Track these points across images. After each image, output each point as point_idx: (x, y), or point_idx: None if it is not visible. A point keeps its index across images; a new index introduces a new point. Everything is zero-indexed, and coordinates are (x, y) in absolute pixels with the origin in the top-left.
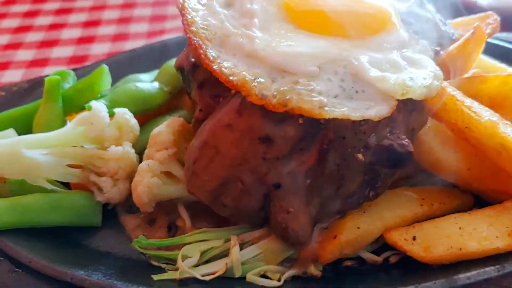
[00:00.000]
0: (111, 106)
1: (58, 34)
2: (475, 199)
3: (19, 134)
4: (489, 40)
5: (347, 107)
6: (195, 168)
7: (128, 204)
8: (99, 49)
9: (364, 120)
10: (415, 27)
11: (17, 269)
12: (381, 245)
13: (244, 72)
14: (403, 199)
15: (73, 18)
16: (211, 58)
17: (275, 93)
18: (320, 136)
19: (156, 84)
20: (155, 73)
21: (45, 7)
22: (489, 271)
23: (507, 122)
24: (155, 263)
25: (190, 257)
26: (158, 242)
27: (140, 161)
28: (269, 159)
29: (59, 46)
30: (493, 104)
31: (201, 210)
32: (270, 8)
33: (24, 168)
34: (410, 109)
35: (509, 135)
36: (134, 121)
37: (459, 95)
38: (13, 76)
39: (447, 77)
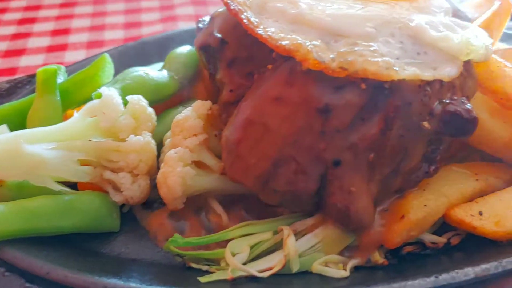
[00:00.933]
0: (122, 94)
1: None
2: None
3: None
4: None
5: (414, 68)
6: (240, 151)
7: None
8: (71, 57)
9: (428, 84)
10: None
11: (29, 284)
12: (438, 227)
13: (294, 36)
14: (457, 175)
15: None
16: (255, 23)
17: (334, 56)
18: (385, 103)
19: (165, 73)
20: (157, 66)
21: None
22: None
23: None
24: (194, 266)
25: (238, 254)
26: (197, 240)
27: (158, 155)
28: (328, 132)
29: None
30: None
31: (233, 203)
32: None
33: (27, 167)
34: (465, 76)
35: None
36: (150, 109)
37: (505, 61)
38: None
39: None
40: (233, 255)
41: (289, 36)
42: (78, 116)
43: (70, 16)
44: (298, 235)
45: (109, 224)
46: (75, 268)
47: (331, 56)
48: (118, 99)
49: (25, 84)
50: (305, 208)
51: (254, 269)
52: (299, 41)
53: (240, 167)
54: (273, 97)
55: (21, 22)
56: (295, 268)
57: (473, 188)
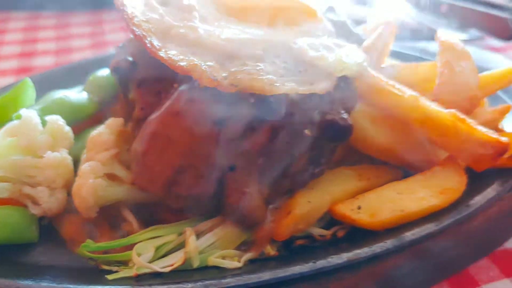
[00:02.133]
0: (42, 115)
1: None
2: (404, 173)
3: None
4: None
5: (294, 82)
6: (146, 161)
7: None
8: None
9: (309, 97)
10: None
11: None
12: (327, 222)
13: (192, 57)
14: (343, 176)
15: None
16: (157, 46)
17: (226, 74)
18: (271, 115)
19: (85, 95)
20: (77, 89)
21: None
22: (430, 226)
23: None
24: (106, 267)
25: (144, 254)
26: (107, 244)
27: (75, 171)
28: (223, 141)
29: None
30: (416, 88)
31: (145, 212)
32: (208, 2)
33: None
34: (343, 89)
35: (429, 106)
36: (68, 128)
37: (382, 76)
38: None
39: None
40: (140, 255)
41: (187, 58)
42: None
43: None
44: (201, 234)
45: (28, 236)
46: None
47: (224, 74)
48: (36, 119)
49: None
50: (207, 211)
51: (157, 266)
52: (195, 62)
53: (146, 175)
54: (175, 112)
55: None
56: (195, 264)
57: (356, 187)
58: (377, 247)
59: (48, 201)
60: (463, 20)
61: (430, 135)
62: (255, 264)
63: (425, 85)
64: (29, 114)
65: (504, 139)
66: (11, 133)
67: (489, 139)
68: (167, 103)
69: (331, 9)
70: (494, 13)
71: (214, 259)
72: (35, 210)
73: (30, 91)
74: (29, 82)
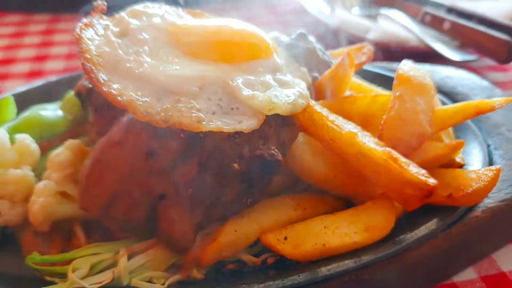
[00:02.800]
0: (13, 132)
1: None
2: (346, 204)
3: None
4: (368, 67)
5: (221, 121)
6: (87, 184)
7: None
8: None
9: (238, 133)
10: (297, 57)
11: None
12: (261, 248)
13: (131, 93)
14: (280, 204)
15: None
16: (102, 81)
17: (158, 110)
18: (200, 149)
19: (59, 113)
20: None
21: None
22: (348, 263)
23: (366, 133)
24: (49, 278)
25: (79, 269)
26: (50, 258)
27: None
28: (154, 171)
29: None
30: (363, 121)
31: (97, 227)
32: (160, 36)
33: None
34: (281, 125)
35: (365, 143)
36: (34, 146)
37: (324, 112)
38: None
39: (323, 98)
40: (76, 270)
41: (126, 93)
42: None
43: None
44: (134, 255)
45: None
46: None
47: (158, 109)
48: (5, 137)
49: None
50: (142, 233)
51: (88, 282)
52: (132, 98)
53: (86, 198)
54: (114, 141)
55: None
56: (125, 282)
57: (289, 217)
58: (289, 280)
59: (8, 213)
60: (463, 39)
61: (365, 171)
62: (181, 286)
63: (379, 117)
64: None
65: (431, 181)
66: None
67: (417, 180)
68: (110, 131)
69: (301, 35)
70: (494, 34)
71: (136, 281)
72: None
73: (11, 108)
74: (10, 100)
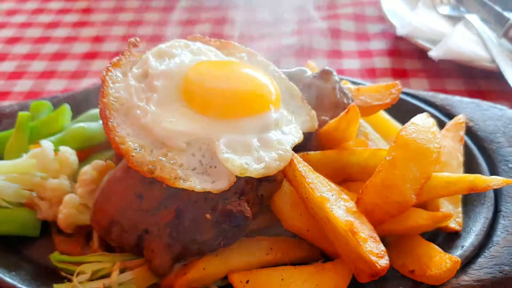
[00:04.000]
0: (58, 143)
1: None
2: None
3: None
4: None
5: (197, 179)
6: (95, 208)
7: None
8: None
9: None
10: (312, 97)
11: None
12: None
13: (130, 142)
14: (254, 247)
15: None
16: (110, 127)
17: (148, 161)
18: (178, 199)
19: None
20: None
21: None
22: None
23: (344, 197)
24: (63, 274)
25: (85, 274)
26: (66, 258)
27: None
28: (141, 210)
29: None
30: (364, 171)
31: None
32: (170, 85)
33: None
34: (260, 180)
35: (331, 211)
36: (73, 158)
37: (304, 171)
38: None
39: (328, 144)
40: (83, 273)
41: (127, 141)
42: (25, 157)
43: None
44: (126, 269)
45: (32, 232)
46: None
47: (147, 161)
48: (50, 150)
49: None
50: (133, 253)
51: (85, 287)
52: (130, 148)
53: (93, 218)
54: (117, 177)
55: None
56: None
57: (260, 260)
58: None
59: (47, 211)
60: None
61: (329, 235)
62: None
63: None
64: (46, 145)
65: (382, 262)
66: (33, 157)
67: (367, 259)
68: (116, 168)
69: (324, 73)
70: None
71: None
72: (39, 215)
73: (67, 115)
74: (66, 108)
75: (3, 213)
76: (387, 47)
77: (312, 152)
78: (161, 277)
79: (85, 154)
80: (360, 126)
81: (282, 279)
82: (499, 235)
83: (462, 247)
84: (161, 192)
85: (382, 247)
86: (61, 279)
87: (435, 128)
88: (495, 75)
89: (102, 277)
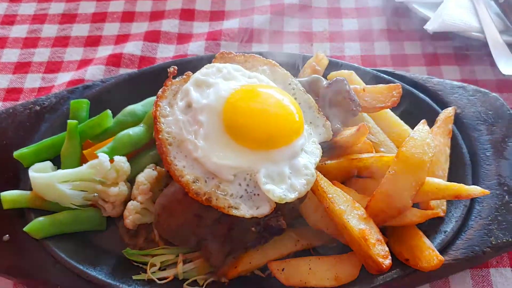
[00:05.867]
0: (110, 153)
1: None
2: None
3: (50, 159)
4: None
5: (246, 206)
6: (159, 219)
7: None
8: None
9: None
10: (325, 107)
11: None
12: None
13: (188, 176)
14: (285, 239)
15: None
16: (169, 161)
17: (205, 193)
18: (229, 217)
19: (143, 127)
20: (146, 102)
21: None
22: None
23: (356, 205)
24: (135, 264)
25: (155, 265)
26: (137, 252)
27: (131, 186)
28: (200, 226)
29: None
30: (370, 172)
31: None
32: (213, 119)
33: (58, 196)
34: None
35: (348, 221)
36: (127, 165)
37: (325, 186)
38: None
39: (338, 151)
40: (153, 265)
41: (184, 174)
42: (85, 167)
43: None
44: (186, 260)
45: (99, 226)
46: (77, 256)
47: (204, 192)
48: (107, 161)
49: (65, 99)
50: (193, 249)
51: (157, 276)
52: (189, 181)
53: (159, 227)
54: (177, 199)
55: None
56: (180, 277)
57: (290, 250)
58: None
59: (111, 212)
60: None
61: (345, 237)
62: (214, 285)
63: (382, 171)
64: (102, 157)
65: (386, 263)
66: (92, 167)
67: (375, 259)
68: (176, 187)
69: (337, 83)
70: None
71: (186, 286)
72: (104, 214)
73: (109, 119)
74: (108, 113)
75: (74, 214)
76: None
77: (328, 162)
78: (216, 269)
79: (132, 156)
80: (363, 119)
81: (310, 268)
82: (473, 219)
83: (445, 232)
84: (216, 213)
85: (386, 249)
86: (134, 269)
87: (430, 137)
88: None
89: (165, 268)
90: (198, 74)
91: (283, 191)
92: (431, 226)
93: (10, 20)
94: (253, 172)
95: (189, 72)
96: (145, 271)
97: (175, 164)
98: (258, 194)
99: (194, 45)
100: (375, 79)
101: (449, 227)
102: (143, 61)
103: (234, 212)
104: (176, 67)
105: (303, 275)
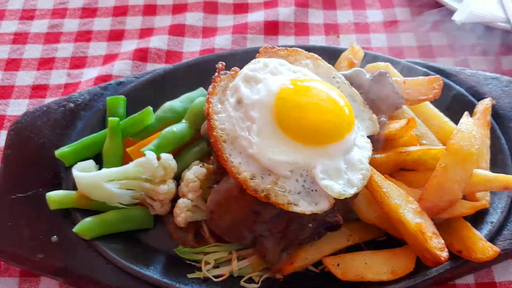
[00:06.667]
0: (156, 150)
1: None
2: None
3: (91, 157)
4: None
5: (305, 202)
6: (213, 216)
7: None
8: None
9: None
10: (370, 100)
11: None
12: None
13: (245, 173)
14: (338, 234)
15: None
16: (225, 158)
17: (263, 189)
18: (287, 213)
19: (186, 124)
20: (185, 98)
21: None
22: None
23: (410, 199)
24: (187, 262)
25: (209, 263)
26: (190, 250)
27: (177, 183)
28: (258, 222)
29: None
30: (416, 164)
31: None
32: (265, 115)
33: (105, 195)
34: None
35: (404, 215)
36: (174, 163)
37: (379, 180)
38: None
39: (384, 146)
40: (207, 263)
41: (241, 171)
42: (132, 165)
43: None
44: (240, 257)
45: (147, 224)
46: (127, 256)
47: (262, 189)
48: (155, 160)
49: (99, 96)
50: (247, 246)
51: (213, 274)
52: (247, 178)
53: (212, 223)
54: (233, 195)
55: None
56: (235, 275)
57: (342, 246)
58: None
59: (159, 210)
60: None
61: (401, 230)
62: (268, 282)
63: (430, 164)
64: (150, 155)
65: (444, 255)
66: (140, 165)
67: (432, 252)
68: (231, 183)
69: (380, 76)
70: None
71: (243, 283)
72: (152, 212)
73: (150, 116)
74: (150, 110)
75: (122, 214)
76: None
77: (378, 156)
78: (272, 265)
79: (175, 152)
80: (403, 112)
81: (365, 262)
82: None
83: (492, 222)
84: (274, 210)
85: (442, 241)
86: (185, 267)
87: (475, 129)
88: None
89: (218, 265)
90: (246, 70)
91: (341, 186)
92: (476, 218)
93: (29, 15)
94: (309, 167)
95: (236, 68)
96: (196, 269)
97: (231, 161)
98: (316, 190)
99: (220, 39)
100: (410, 71)
101: (495, 218)
102: (170, 56)
103: (294, 208)
104: (224, 63)
105: (359, 269)
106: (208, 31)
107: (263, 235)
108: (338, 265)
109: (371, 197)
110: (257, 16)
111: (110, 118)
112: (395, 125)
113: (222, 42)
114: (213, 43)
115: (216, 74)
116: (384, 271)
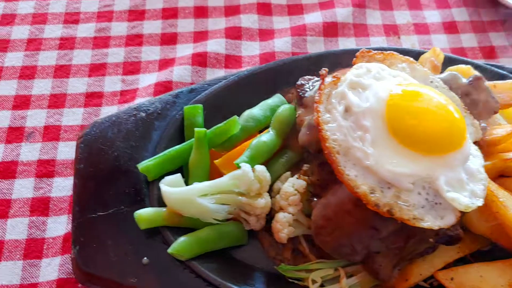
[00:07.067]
0: (250, 161)
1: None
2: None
3: (176, 170)
4: None
5: (430, 216)
6: (321, 232)
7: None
8: None
9: None
10: (468, 105)
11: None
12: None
13: (363, 186)
14: (448, 247)
15: None
16: (341, 171)
17: (385, 204)
18: (408, 228)
19: (273, 133)
20: (264, 105)
21: None
22: None
23: None
24: (290, 280)
25: (316, 281)
26: (292, 268)
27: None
28: (375, 239)
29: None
30: None
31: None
32: (378, 124)
33: (198, 211)
34: None
35: None
36: (268, 175)
37: (495, 190)
38: None
39: (483, 152)
40: (314, 281)
41: (359, 184)
42: (226, 178)
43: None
44: (347, 274)
45: (242, 241)
46: (226, 276)
47: (384, 204)
48: (251, 173)
49: (171, 104)
50: (354, 262)
51: None
52: (366, 191)
53: (320, 239)
54: (346, 209)
55: None
56: None
57: (452, 258)
58: None
59: (255, 224)
60: None
61: None
62: None
63: None
64: (246, 168)
65: None
66: (235, 178)
67: None
68: (341, 196)
69: (476, 80)
70: None
71: None
72: (247, 227)
73: (236, 126)
74: (236, 120)
75: (218, 230)
76: None
77: (484, 164)
78: (384, 282)
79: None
80: (494, 117)
81: (481, 275)
82: None
83: None
84: (395, 225)
85: None
86: (288, 284)
87: None
88: None
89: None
90: (351, 76)
91: (468, 198)
92: None
93: (73, 18)
94: (431, 179)
95: (338, 74)
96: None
97: (347, 173)
98: (440, 203)
99: (279, 42)
100: (486, 73)
101: None
102: (229, 60)
103: (422, 224)
104: (327, 69)
105: (474, 283)
106: (265, 34)
107: (379, 252)
108: (452, 279)
109: (482, 207)
110: (314, 18)
111: (196, 129)
112: (498, 131)
113: (282, 45)
114: (273, 46)
115: (321, 81)
116: (501, 284)
